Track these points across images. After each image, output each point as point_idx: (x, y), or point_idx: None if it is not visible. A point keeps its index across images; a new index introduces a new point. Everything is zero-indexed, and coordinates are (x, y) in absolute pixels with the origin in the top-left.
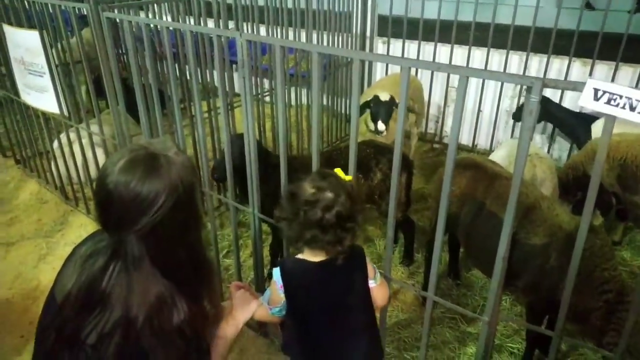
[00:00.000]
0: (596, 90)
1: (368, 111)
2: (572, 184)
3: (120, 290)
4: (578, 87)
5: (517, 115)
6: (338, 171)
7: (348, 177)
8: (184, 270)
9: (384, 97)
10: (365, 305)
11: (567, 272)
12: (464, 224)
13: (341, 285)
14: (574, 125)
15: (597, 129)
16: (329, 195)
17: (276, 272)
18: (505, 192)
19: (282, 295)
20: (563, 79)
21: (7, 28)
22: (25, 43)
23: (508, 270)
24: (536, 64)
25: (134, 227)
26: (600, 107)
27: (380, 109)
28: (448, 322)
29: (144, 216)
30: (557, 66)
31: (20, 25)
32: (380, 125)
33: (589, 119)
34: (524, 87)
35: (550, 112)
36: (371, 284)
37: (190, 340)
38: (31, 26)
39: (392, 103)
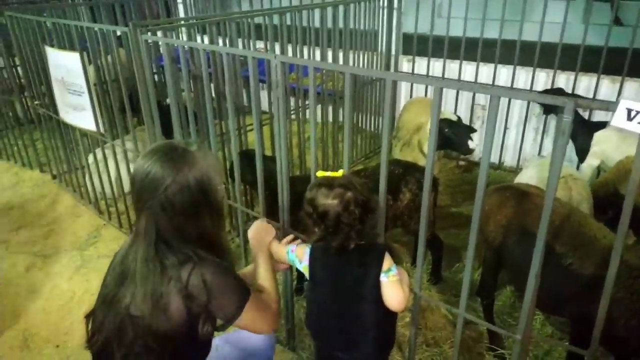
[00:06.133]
0: (629, 110)
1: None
2: (602, 202)
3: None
4: (611, 107)
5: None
6: (323, 173)
7: (339, 173)
8: (197, 241)
9: (453, 117)
10: (375, 299)
11: (626, 303)
12: (511, 256)
13: (356, 274)
14: (575, 129)
15: (599, 137)
16: (350, 194)
17: (308, 248)
18: (555, 220)
19: (305, 265)
20: (591, 96)
21: (49, 50)
22: (66, 64)
23: (557, 298)
24: (563, 82)
25: (146, 204)
26: (633, 126)
27: (458, 130)
28: (477, 342)
29: (153, 194)
30: (585, 84)
31: (61, 47)
32: (472, 144)
33: (592, 126)
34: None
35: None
36: (382, 277)
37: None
38: (71, 48)
39: (461, 122)
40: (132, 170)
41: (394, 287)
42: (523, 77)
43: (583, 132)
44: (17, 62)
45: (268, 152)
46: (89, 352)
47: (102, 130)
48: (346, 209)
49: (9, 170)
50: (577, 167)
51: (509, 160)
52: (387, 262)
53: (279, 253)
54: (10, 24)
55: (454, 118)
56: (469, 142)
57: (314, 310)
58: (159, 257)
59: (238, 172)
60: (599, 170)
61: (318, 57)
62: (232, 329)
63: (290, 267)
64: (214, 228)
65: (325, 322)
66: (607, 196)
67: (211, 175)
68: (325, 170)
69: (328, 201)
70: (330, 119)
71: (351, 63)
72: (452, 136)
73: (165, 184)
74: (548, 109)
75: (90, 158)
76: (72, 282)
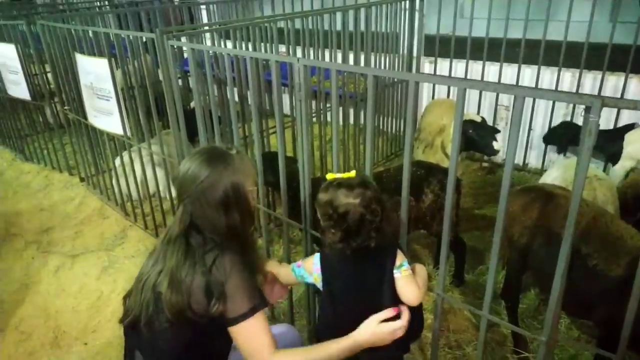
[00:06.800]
0: None
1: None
2: (631, 203)
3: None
4: (639, 105)
5: (548, 138)
6: (333, 176)
7: (352, 174)
8: (226, 232)
9: (478, 118)
10: (391, 296)
11: None
12: (537, 257)
13: (374, 273)
14: (604, 139)
15: (631, 138)
16: (370, 192)
17: (317, 256)
18: (581, 222)
19: (316, 275)
20: (619, 96)
21: (79, 56)
22: (95, 70)
23: (584, 301)
24: (590, 81)
25: (184, 196)
26: None
27: (482, 131)
28: (501, 345)
29: (190, 187)
30: (613, 83)
31: (90, 53)
32: (497, 144)
33: (620, 130)
34: (582, 106)
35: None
36: (395, 273)
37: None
38: (100, 54)
39: (485, 123)
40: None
41: (407, 282)
42: (548, 77)
43: (611, 138)
44: (48, 69)
45: (290, 155)
46: (122, 327)
47: (128, 133)
48: (368, 207)
49: (40, 173)
50: (604, 169)
51: (534, 161)
52: (399, 258)
53: (282, 274)
54: (42, 32)
55: (478, 119)
56: (494, 143)
57: (330, 318)
58: (187, 238)
59: (261, 174)
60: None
61: (340, 60)
62: None
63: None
64: (243, 225)
65: (345, 327)
66: (635, 197)
67: (245, 178)
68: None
69: (350, 200)
70: (352, 121)
71: (373, 65)
72: (476, 137)
73: (200, 178)
74: (565, 143)
75: (117, 161)
76: (100, 282)
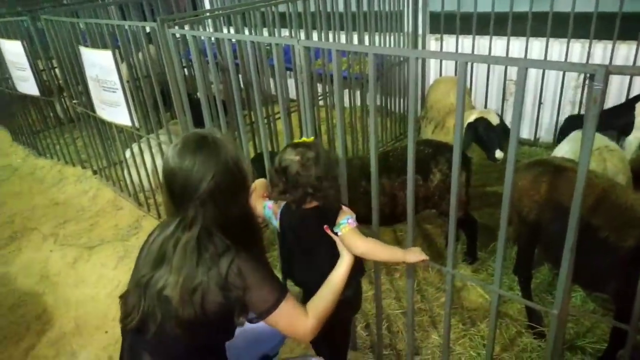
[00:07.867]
0: None
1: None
2: None
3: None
4: None
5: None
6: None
7: (310, 139)
8: (238, 224)
9: (495, 120)
10: (330, 251)
11: None
12: (547, 232)
13: (314, 230)
14: (613, 115)
15: None
16: (312, 153)
17: (281, 206)
18: (591, 194)
19: (278, 223)
20: (631, 65)
21: (83, 49)
22: (100, 62)
23: (597, 274)
24: (600, 51)
25: (193, 197)
26: None
27: (493, 134)
28: (515, 320)
29: (199, 186)
30: (624, 52)
31: (94, 46)
32: (499, 154)
33: (630, 101)
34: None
35: None
36: (337, 232)
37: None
38: (104, 46)
39: (503, 127)
40: (167, 164)
41: (349, 236)
42: (557, 49)
43: (621, 112)
44: (55, 64)
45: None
46: (122, 329)
47: (136, 125)
48: (304, 165)
49: (53, 167)
50: (617, 140)
51: (545, 135)
52: (341, 216)
53: (256, 206)
54: (46, 27)
55: (495, 120)
56: (497, 151)
57: (284, 266)
58: (198, 246)
59: (269, 165)
60: None
61: (343, 41)
62: None
63: None
64: (247, 203)
65: (292, 275)
66: None
67: (238, 152)
68: (355, 154)
69: (291, 157)
70: (359, 103)
71: (377, 45)
72: (484, 138)
73: (211, 174)
74: None
75: (127, 153)
76: (117, 271)
